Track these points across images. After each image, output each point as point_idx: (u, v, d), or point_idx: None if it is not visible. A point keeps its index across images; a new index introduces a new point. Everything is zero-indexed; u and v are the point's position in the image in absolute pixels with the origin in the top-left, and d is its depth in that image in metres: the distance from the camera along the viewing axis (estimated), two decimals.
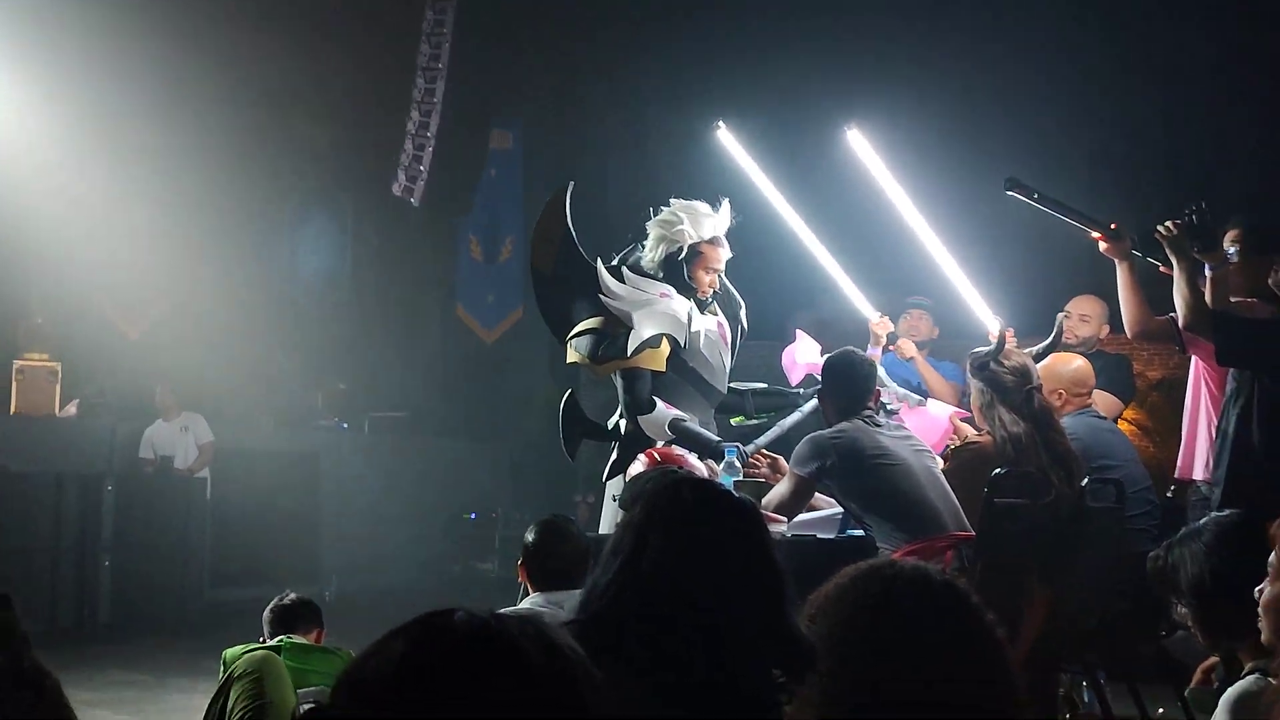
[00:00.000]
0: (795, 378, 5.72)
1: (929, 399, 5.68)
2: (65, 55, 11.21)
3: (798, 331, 5.90)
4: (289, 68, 12.54)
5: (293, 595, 4.34)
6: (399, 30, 12.32)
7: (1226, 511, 2.90)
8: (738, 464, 4.61)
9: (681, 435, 5.07)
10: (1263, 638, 2.51)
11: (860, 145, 5.84)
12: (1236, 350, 4.55)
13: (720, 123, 6.01)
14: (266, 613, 4.26)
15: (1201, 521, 2.95)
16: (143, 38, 11.71)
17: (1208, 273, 4.65)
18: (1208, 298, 4.61)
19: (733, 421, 5.50)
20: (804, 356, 5.66)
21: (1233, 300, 4.74)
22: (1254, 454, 4.47)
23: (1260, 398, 4.48)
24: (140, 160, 12.36)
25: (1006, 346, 4.75)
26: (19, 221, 11.36)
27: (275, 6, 12.82)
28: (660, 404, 5.18)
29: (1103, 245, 4.95)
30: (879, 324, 6.08)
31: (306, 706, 3.71)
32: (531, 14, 12.55)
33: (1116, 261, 4.96)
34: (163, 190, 12.31)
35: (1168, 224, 4.68)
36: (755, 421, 5.47)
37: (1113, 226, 4.93)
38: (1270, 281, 4.55)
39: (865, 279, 6.74)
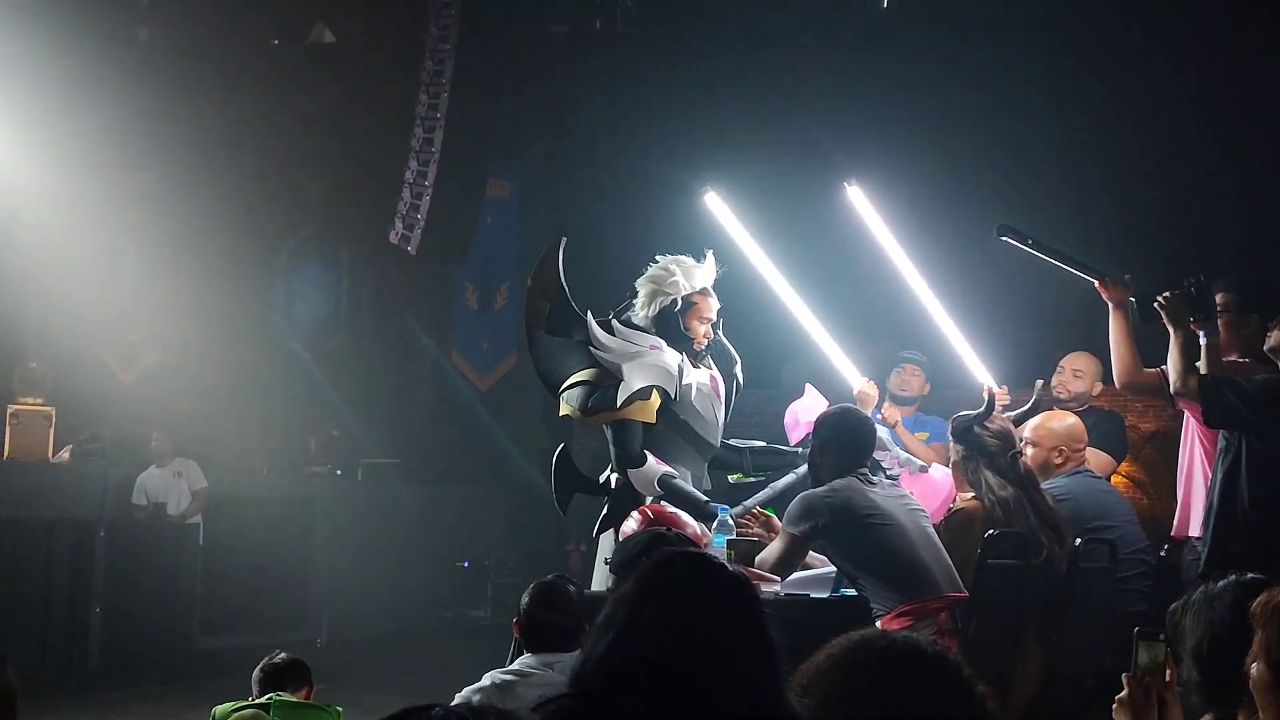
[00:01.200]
0: (795, 436, 5.69)
1: (933, 464, 5.67)
2: (62, 103, 11.28)
3: (808, 386, 5.88)
4: (287, 117, 12.61)
5: (282, 655, 4.32)
6: (397, 80, 12.39)
7: (1249, 576, 2.90)
8: (731, 523, 4.60)
9: (669, 492, 5.07)
10: (1261, 715, 2.51)
11: (860, 201, 5.87)
12: (1222, 414, 4.59)
13: (708, 188, 6.01)
14: (256, 672, 4.24)
15: (1220, 584, 2.93)
16: (141, 88, 11.79)
17: (1203, 340, 4.69)
18: (1203, 365, 4.65)
19: (730, 479, 5.49)
20: (808, 415, 5.63)
21: (1225, 360, 4.77)
22: (1239, 512, 4.49)
23: (1248, 457, 4.50)
24: (136, 206, 12.41)
25: (994, 411, 4.77)
26: (14, 266, 11.40)
27: (274, 57, 12.92)
28: (651, 459, 5.18)
29: (1104, 293, 5.00)
30: (867, 386, 6.08)
31: None
32: (531, 65, 12.62)
33: (1111, 310, 5.00)
34: (159, 236, 12.35)
35: (1166, 294, 4.74)
36: (752, 479, 5.46)
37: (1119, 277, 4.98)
38: (1266, 347, 4.58)
39: (860, 332, 6.75)
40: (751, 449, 5.59)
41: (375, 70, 12.60)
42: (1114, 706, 2.69)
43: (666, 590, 2.11)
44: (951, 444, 4.75)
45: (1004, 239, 5.18)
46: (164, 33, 13.03)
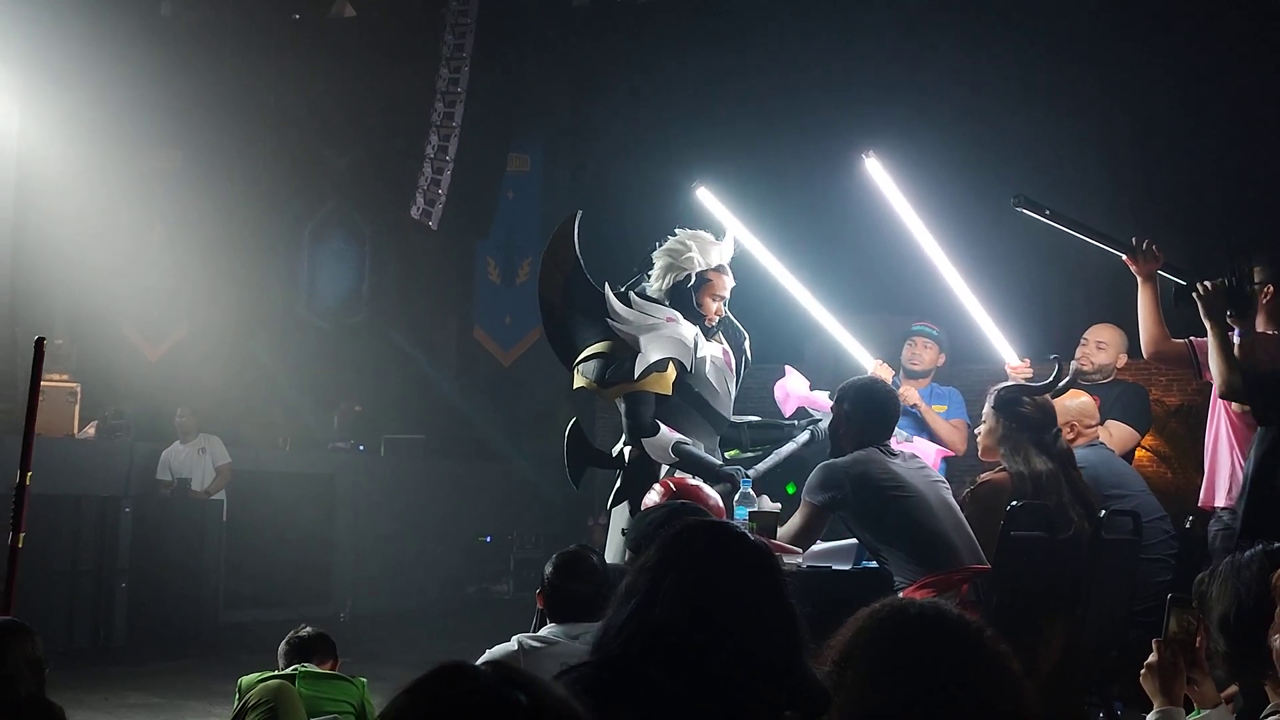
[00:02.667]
0: (789, 409, 5.70)
1: (915, 439, 5.67)
2: (86, 80, 11.31)
3: (786, 367, 5.88)
4: (309, 92, 12.61)
5: (308, 628, 4.34)
6: (418, 55, 12.37)
7: (1276, 545, 2.87)
8: (752, 494, 4.59)
9: (684, 459, 5.07)
10: None
11: (878, 172, 5.83)
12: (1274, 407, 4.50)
13: (698, 183, 5.93)
14: (283, 644, 4.26)
15: (1247, 554, 2.90)
16: (164, 64, 11.81)
17: (1237, 338, 4.59)
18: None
19: (727, 455, 5.47)
20: (796, 389, 5.65)
21: (1259, 332, 4.70)
22: (1272, 492, 4.42)
23: None
24: (161, 183, 12.46)
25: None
26: (42, 244, 11.46)
27: (295, 32, 12.91)
28: (664, 427, 5.17)
29: (1132, 265, 4.93)
30: (879, 369, 6.05)
31: None
32: (551, 38, 12.59)
33: (1140, 282, 4.93)
34: (184, 213, 12.40)
35: (1205, 284, 4.64)
36: (750, 454, 5.45)
37: (1143, 244, 4.90)
38: None
39: (882, 308, 6.71)
40: (749, 424, 5.58)
41: (396, 44, 12.59)
42: (1142, 671, 2.67)
43: (688, 558, 2.10)
44: (992, 414, 4.70)
45: (1020, 211, 5.12)
46: (186, 9, 13.05)
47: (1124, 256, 4.96)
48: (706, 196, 5.83)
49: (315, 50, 12.76)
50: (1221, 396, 4.67)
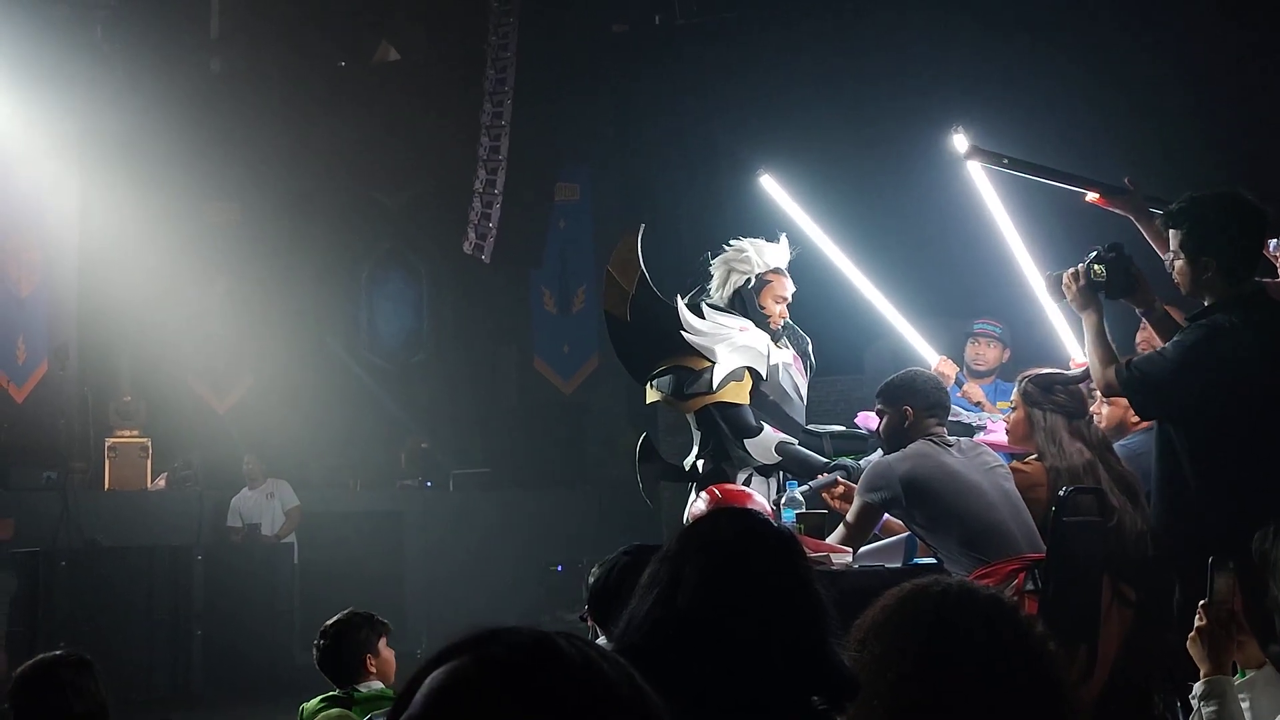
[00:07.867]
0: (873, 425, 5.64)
1: (990, 422, 5.55)
2: (142, 138, 11.55)
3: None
4: (358, 137, 12.76)
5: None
6: (463, 92, 12.49)
7: None
8: (799, 497, 4.56)
9: (788, 457, 5.13)
10: None
11: (969, 151, 5.59)
12: (1152, 402, 4.08)
13: (762, 170, 5.94)
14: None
15: None
16: (218, 119, 12.02)
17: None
18: (1157, 340, 4.14)
19: None
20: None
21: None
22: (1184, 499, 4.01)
23: None
24: (219, 236, 12.65)
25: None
26: (106, 303, 11.69)
27: (342, 79, 13.10)
28: (767, 427, 5.20)
29: (1111, 205, 4.44)
30: (943, 364, 5.98)
31: None
32: (592, 65, 12.66)
33: (1137, 223, 4.40)
34: (243, 264, 12.57)
35: (1070, 271, 4.18)
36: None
37: (1120, 183, 4.45)
38: None
39: (939, 303, 6.58)
40: (830, 433, 5.54)
41: (440, 83, 12.72)
42: (1190, 637, 2.62)
43: (710, 546, 2.08)
44: (1020, 402, 4.60)
45: (973, 162, 4.94)
46: (235, 64, 13.28)
47: (1091, 196, 4.51)
48: (770, 184, 5.85)
49: (362, 95, 12.92)
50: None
